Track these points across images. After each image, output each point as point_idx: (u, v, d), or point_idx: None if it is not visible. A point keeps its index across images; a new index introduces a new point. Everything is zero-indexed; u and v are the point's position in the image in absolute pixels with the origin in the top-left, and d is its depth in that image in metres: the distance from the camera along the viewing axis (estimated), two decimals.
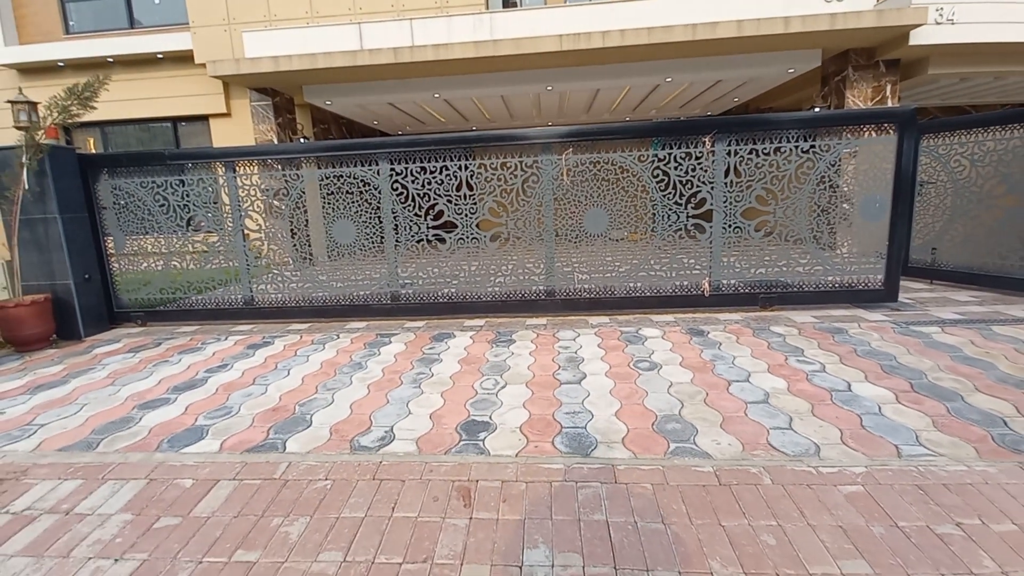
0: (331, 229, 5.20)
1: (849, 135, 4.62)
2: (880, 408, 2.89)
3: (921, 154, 5.79)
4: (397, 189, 5.02)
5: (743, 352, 3.87)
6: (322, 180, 5.15)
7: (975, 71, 8.35)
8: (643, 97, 10.62)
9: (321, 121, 11.15)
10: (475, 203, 4.97)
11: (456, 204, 4.99)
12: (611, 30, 7.58)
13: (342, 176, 5.09)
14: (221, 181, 5.28)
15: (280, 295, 5.39)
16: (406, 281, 5.27)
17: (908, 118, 4.45)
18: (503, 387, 3.41)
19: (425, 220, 5.04)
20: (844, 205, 4.81)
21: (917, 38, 7.49)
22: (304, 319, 5.39)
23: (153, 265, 5.50)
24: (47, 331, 4.94)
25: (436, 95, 9.24)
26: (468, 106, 10.65)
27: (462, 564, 1.87)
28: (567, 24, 8.00)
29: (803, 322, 4.54)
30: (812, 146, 4.60)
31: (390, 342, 4.54)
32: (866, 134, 4.60)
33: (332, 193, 5.14)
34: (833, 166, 4.67)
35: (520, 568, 1.84)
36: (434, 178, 4.95)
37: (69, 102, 4.94)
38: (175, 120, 11.22)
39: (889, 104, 8.25)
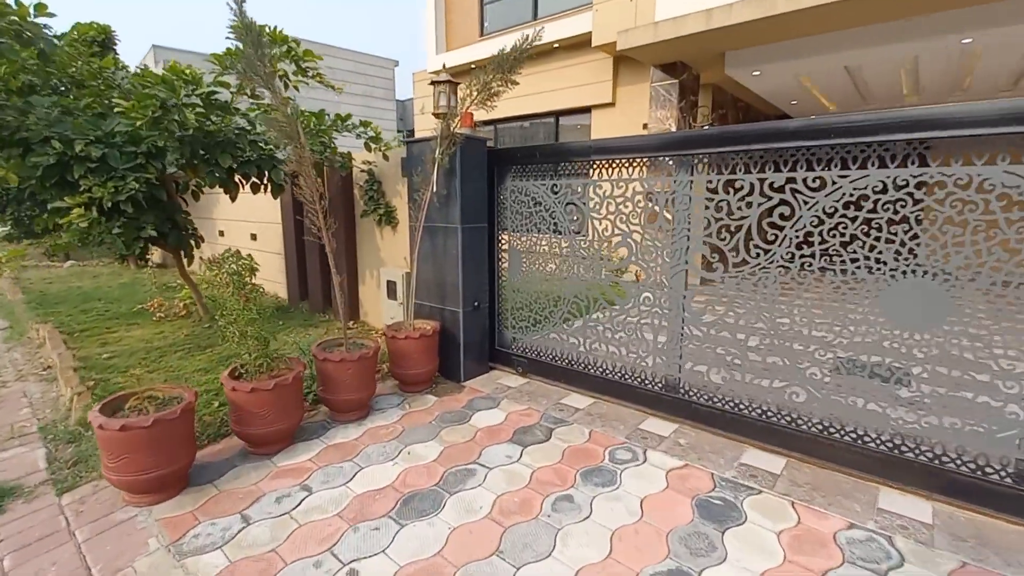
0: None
1: None
2: None
3: None
4: None
5: None
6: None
7: None
8: None
9: (720, 105, 8.65)
10: None
11: None
12: None
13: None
14: (674, 185, 3.24)
15: (736, 375, 3.06)
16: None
17: None
18: None
19: None
20: None
21: None
22: (756, 441, 2.92)
23: (550, 300, 3.97)
24: (430, 371, 3.94)
25: (965, 40, 5.39)
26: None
27: None
28: None
29: None
30: None
31: None
32: None
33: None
34: None
35: None
36: None
37: (490, 77, 3.70)
38: (558, 114, 10.64)
39: None
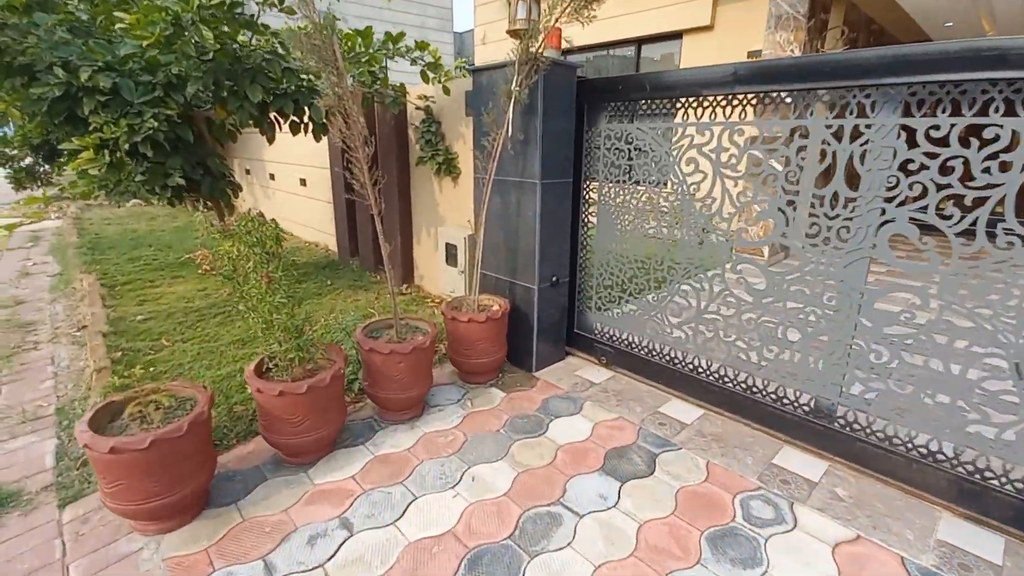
0: None
1: None
2: None
3: None
4: None
5: None
6: None
7: None
8: None
9: (852, 27, 7.00)
10: None
11: None
12: None
13: None
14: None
15: (939, 413, 2.16)
16: None
17: None
18: None
19: None
20: None
21: None
22: (957, 507, 2.05)
23: (652, 280, 3.11)
24: (498, 360, 3.24)
25: None
26: None
27: None
28: None
29: None
30: None
31: None
32: None
33: None
34: None
35: None
36: None
37: None
38: (639, 41, 9.18)
39: None
